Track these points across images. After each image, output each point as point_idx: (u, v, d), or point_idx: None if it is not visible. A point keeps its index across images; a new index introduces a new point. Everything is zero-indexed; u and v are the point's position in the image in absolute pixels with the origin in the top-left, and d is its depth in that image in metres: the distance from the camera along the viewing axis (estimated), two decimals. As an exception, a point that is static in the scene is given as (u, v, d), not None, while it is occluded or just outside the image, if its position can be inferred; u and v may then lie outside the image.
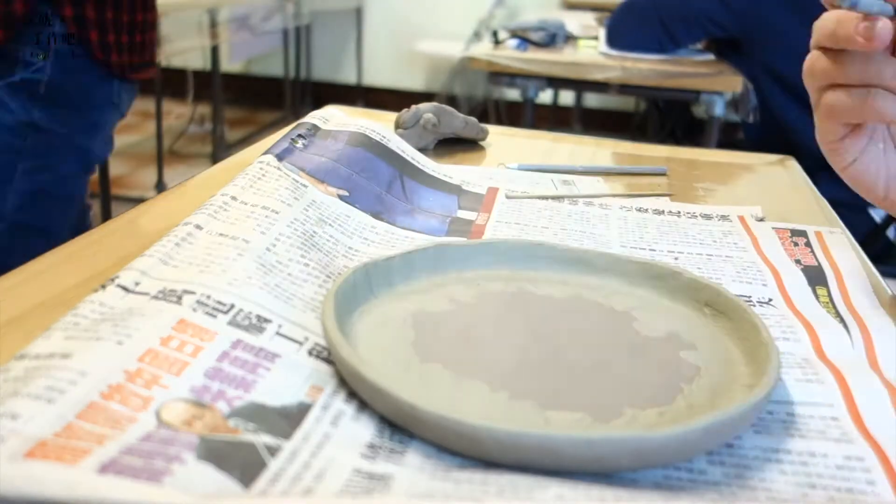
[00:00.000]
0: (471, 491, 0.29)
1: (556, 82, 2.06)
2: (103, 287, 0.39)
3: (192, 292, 0.39)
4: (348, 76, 4.15)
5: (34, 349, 0.33)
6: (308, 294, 0.43)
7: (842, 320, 0.46)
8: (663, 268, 0.47)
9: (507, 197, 0.64)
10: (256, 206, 0.48)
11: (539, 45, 2.13)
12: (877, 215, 1.66)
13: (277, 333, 0.38)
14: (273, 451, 0.31)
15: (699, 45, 2.06)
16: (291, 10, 3.53)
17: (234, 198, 0.49)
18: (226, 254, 0.42)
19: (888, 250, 1.72)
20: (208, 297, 0.39)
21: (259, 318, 0.39)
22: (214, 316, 0.38)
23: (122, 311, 0.37)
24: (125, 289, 0.39)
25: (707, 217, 0.62)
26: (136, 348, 0.34)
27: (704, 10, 1.83)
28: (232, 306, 0.39)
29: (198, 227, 0.45)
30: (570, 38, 2.20)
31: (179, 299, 0.38)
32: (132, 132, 3.64)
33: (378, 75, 4.12)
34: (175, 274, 0.40)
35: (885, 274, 0.55)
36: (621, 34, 2.00)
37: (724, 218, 0.62)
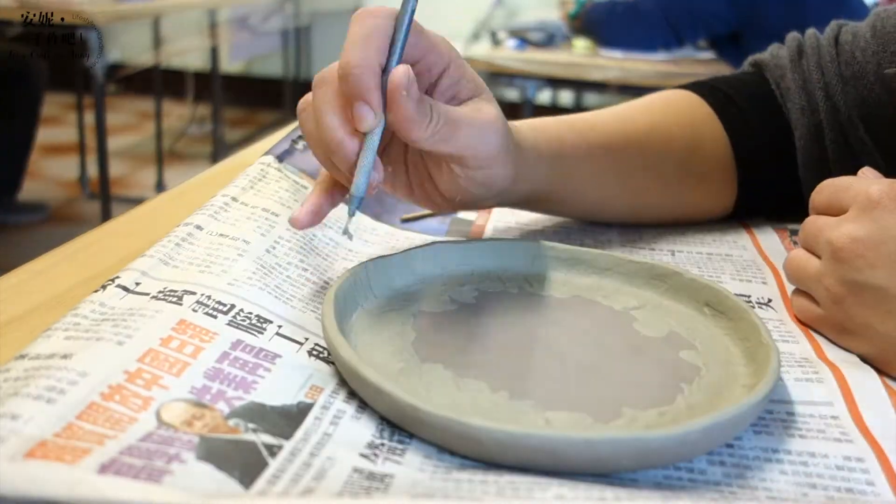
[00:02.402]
0: (471, 491, 0.29)
1: (555, 82, 2.06)
2: (103, 287, 0.39)
3: (193, 293, 0.39)
4: (348, 76, 4.15)
5: (34, 349, 0.33)
6: (308, 295, 0.43)
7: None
8: (663, 268, 0.47)
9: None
10: (257, 207, 0.48)
11: (538, 45, 2.13)
12: None
13: (277, 334, 0.39)
14: (273, 450, 0.31)
15: (701, 43, 2.06)
16: (291, 11, 3.54)
17: (234, 199, 0.49)
18: (226, 254, 0.43)
19: None
20: (209, 297, 0.39)
21: (259, 318, 0.39)
22: (215, 316, 0.38)
23: (122, 311, 0.37)
24: (125, 289, 0.39)
25: (707, 217, 0.62)
26: (137, 349, 0.34)
27: (710, 8, 1.84)
28: (232, 307, 0.39)
29: (198, 227, 0.45)
30: (568, 39, 2.21)
31: (180, 299, 0.38)
32: (132, 133, 3.64)
33: (378, 76, 4.12)
34: (175, 274, 0.40)
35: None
36: (622, 35, 2.00)
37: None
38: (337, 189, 0.44)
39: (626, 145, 0.55)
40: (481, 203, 0.49)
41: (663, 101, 0.61)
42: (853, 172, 0.58)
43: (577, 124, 0.54)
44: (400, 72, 0.39)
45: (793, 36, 0.63)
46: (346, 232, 0.42)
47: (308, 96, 0.43)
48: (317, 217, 0.43)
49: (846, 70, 0.58)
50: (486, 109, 0.44)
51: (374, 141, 0.40)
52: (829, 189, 0.45)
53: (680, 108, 0.60)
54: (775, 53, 0.63)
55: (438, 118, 0.41)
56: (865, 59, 0.56)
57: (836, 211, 0.44)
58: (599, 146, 0.54)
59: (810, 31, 0.62)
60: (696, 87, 0.62)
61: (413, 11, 0.41)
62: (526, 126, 0.51)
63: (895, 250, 0.40)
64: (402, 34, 0.40)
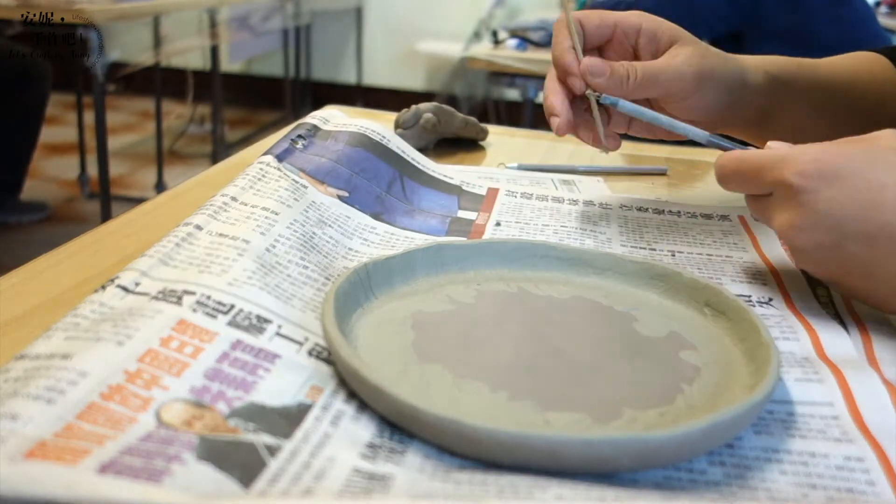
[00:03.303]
0: (471, 491, 0.29)
1: (556, 82, 2.05)
2: (103, 287, 0.39)
3: (192, 293, 0.39)
4: (348, 76, 4.15)
5: (34, 349, 0.33)
6: (308, 295, 0.43)
7: (841, 320, 0.46)
8: (663, 268, 0.47)
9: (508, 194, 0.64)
10: (256, 206, 0.48)
11: (539, 44, 2.13)
12: None
13: (277, 334, 0.38)
14: (273, 450, 0.31)
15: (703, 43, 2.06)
16: (291, 10, 3.53)
17: (234, 198, 0.48)
18: (226, 254, 0.42)
19: None
20: (208, 297, 0.39)
21: (259, 318, 0.39)
22: (214, 316, 0.38)
23: (122, 311, 0.37)
24: (125, 289, 0.39)
25: (707, 217, 0.62)
26: (137, 349, 0.34)
27: (710, 7, 1.84)
28: (232, 307, 0.39)
29: (198, 227, 0.45)
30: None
31: (179, 300, 0.38)
32: (132, 132, 3.64)
33: (378, 75, 4.12)
34: (175, 274, 0.40)
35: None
36: None
37: (724, 218, 0.62)
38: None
39: (833, 90, 0.64)
40: (706, 125, 0.58)
41: (866, 60, 0.69)
42: None
43: (799, 63, 0.64)
44: (584, 65, 0.56)
45: None
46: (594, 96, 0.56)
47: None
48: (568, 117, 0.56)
49: None
50: (681, 53, 0.56)
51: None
52: (736, 174, 0.48)
53: (876, 69, 0.68)
54: None
55: (635, 75, 0.55)
56: None
57: (754, 191, 0.47)
58: (812, 85, 0.64)
59: None
60: (889, 51, 0.69)
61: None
62: (754, 65, 0.61)
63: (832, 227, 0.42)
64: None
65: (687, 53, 0.56)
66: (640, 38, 0.57)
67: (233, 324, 0.38)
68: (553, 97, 0.57)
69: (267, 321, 0.39)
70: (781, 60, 0.63)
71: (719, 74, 0.57)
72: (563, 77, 0.57)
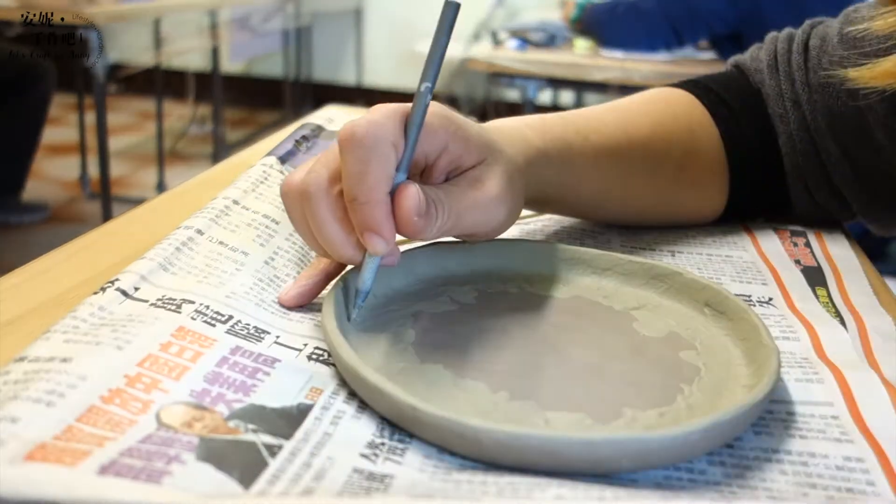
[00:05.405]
0: (471, 491, 0.29)
1: (556, 83, 2.06)
2: (102, 290, 0.39)
3: (192, 301, 0.39)
4: (348, 77, 4.15)
5: (34, 352, 0.33)
6: (305, 307, 0.43)
7: (841, 320, 0.46)
8: (663, 268, 0.47)
9: None
10: (258, 213, 0.48)
11: (539, 45, 2.13)
12: None
13: (276, 343, 0.39)
14: (273, 450, 0.31)
15: (702, 43, 2.06)
16: (291, 11, 3.53)
17: (235, 202, 0.48)
18: (224, 266, 0.43)
19: (881, 247, 1.72)
20: (207, 307, 0.39)
21: (257, 329, 0.39)
22: (213, 325, 0.38)
23: (121, 316, 0.37)
24: (124, 293, 0.39)
25: (707, 217, 0.62)
26: (136, 353, 0.34)
27: (710, 7, 1.84)
28: (230, 317, 0.39)
29: (198, 231, 0.45)
30: (569, 39, 2.21)
31: (178, 307, 0.38)
32: (133, 133, 3.64)
33: (378, 76, 4.11)
34: (174, 282, 0.40)
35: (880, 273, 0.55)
36: (623, 35, 2.01)
37: (724, 218, 0.62)
38: (333, 269, 0.44)
39: (630, 149, 0.54)
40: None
41: (663, 101, 0.59)
42: (826, 183, 0.57)
43: (581, 127, 0.53)
44: (411, 199, 0.38)
45: (772, 37, 0.62)
46: (350, 319, 0.40)
47: (293, 179, 0.40)
48: (306, 298, 0.43)
49: (813, 78, 0.57)
50: (488, 183, 0.43)
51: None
52: None
53: (678, 109, 0.59)
54: (755, 56, 0.61)
55: (444, 216, 0.40)
56: (832, 66, 0.55)
57: None
58: (604, 151, 0.53)
59: (784, 34, 0.61)
60: (691, 86, 0.61)
61: (423, 119, 0.39)
62: (532, 132, 0.50)
63: None
64: (409, 150, 0.39)
65: (495, 187, 0.43)
66: (440, 160, 0.42)
67: (231, 332, 0.38)
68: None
69: (265, 332, 0.39)
70: (559, 132, 0.51)
71: (518, 180, 0.46)
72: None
